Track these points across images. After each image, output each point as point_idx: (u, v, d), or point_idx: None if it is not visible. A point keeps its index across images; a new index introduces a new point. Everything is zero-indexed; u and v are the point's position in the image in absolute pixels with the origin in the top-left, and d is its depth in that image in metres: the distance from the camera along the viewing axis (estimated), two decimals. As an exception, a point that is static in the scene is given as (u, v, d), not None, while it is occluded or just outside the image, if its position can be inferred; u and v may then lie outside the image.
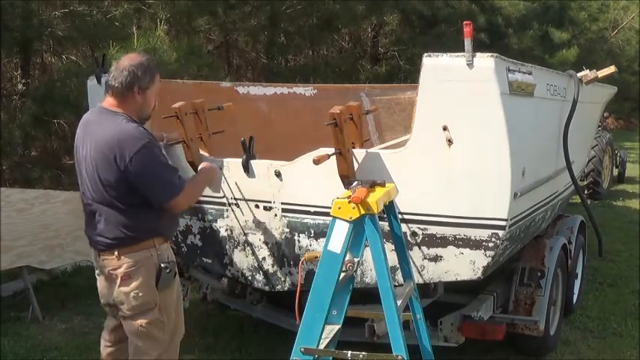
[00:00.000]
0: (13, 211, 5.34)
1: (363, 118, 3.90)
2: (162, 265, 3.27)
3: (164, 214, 3.31)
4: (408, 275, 3.43)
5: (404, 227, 3.49)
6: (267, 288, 4.08)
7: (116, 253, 3.24)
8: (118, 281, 3.26)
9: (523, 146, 3.45)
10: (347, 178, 3.43)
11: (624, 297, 6.07)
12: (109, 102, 3.27)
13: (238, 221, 4.01)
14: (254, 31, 11.43)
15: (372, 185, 3.13)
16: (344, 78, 12.58)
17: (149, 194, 3.21)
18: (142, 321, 3.29)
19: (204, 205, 4.09)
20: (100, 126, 3.21)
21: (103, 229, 3.25)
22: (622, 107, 22.14)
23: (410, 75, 13.20)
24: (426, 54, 3.31)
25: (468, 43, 3.16)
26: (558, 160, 4.35)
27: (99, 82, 4.11)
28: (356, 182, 3.16)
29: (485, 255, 3.44)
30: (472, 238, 3.43)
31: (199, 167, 3.68)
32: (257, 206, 3.92)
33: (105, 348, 3.61)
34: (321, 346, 3.03)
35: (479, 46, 3.29)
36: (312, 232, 3.79)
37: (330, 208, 3.05)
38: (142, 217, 3.24)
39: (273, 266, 3.99)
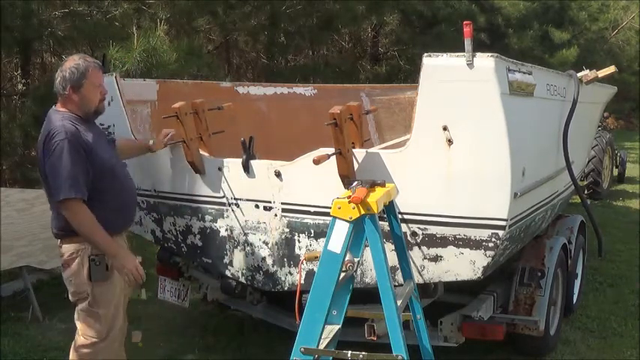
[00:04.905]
0: (13, 211, 5.35)
1: (363, 118, 3.90)
2: (90, 257, 3.42)
3: (105, 210, 3.40)
4: (408, 275, 3.43)
5: (404, 227, 3.49)
6: (267, 288, 4.08)
7: (59, 241, 3.55)
8: (63, 268, 3.53)
9: (523, 146, 3.45)
10: (347, 178, 3.43)
11: (624, 297, 6.07)
12: (58, 104, 3.52)
13: (238, 221, 4.01)
14: (254, 31, 11.42)
15: (372, 185, 3.13)
16: (344, 78, 12.57)
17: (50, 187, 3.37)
18: (79, 307, 3.54)
19: (204, 205, 4.09)
20: (44, 126, 3.44)
21: (53, 219, 3.56)
22: (622, 107, 22.14)
23: (410, 75, 13.23)
24: (426, 54, 3.31)
25: (468, 43, 3.16)
26: (558, 160, 4.34)
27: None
28: (356, 182, 3.16)
29: (486, 255, 3.44)
30: (472, 238, 3.43)
31: (120, 256, 3.42)
32: (257, 206, 3.92)
33: None
34: (321, 346, 3.03)
35: (479, 46, 3.29)
36: (312, 232, 3.79)
37: (330, 208, 3.05)
38: None
39: (273, 266, 3.99)
